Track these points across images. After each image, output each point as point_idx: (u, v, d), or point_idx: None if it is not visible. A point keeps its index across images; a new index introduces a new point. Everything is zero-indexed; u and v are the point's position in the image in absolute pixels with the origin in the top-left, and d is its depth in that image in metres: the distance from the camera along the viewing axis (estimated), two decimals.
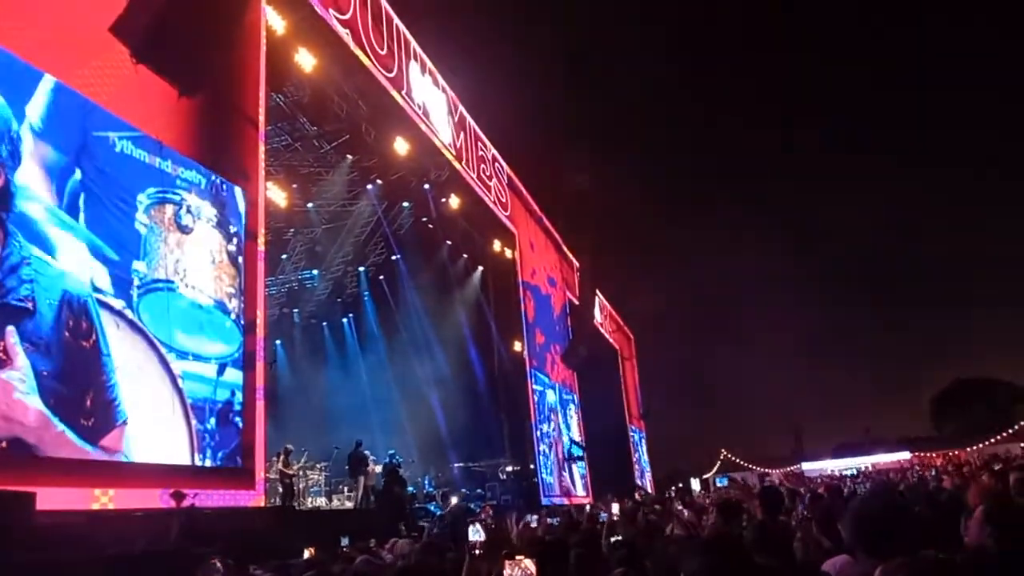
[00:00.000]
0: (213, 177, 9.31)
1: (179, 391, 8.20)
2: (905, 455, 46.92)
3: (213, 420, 8.67)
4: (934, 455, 43.93)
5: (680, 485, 36.06)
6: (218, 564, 4.84)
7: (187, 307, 8.60)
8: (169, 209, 8.56)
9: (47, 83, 7.02)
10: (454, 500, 6.07)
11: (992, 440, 42.62)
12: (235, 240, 9.61)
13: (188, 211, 8.82)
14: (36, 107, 6.92)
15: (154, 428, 7.74)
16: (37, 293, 6.54)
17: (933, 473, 20.15)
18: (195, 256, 8.84)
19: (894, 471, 31.48)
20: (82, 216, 7.28)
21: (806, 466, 48.26)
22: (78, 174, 7.35)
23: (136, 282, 7.86)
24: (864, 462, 46.70)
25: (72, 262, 7.03)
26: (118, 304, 7.53)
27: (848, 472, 38.83)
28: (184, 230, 8.74)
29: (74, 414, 6.77)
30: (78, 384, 6.91)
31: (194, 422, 8.33)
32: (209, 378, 8.73)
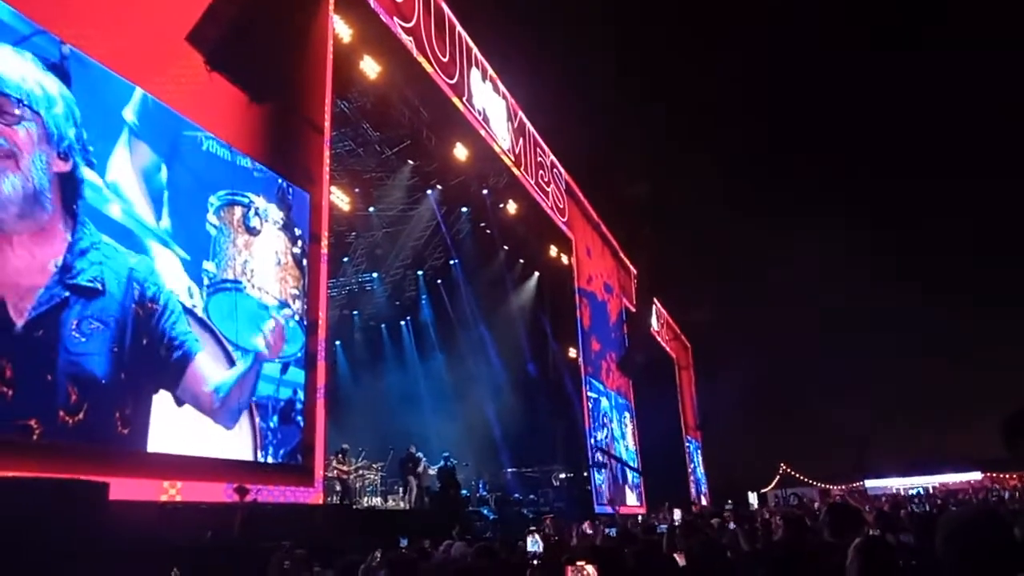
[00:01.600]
0: (280, 181, 9.57)
1: None
2: (976, 475, 44.93)
3: (276, 418, 8.89)
4: (1009, 476, 41.95)
5: (733, 500, 35.25)
6: (292, 550, 4.98)
7: (253, 307, 8.85)
8: (238, 211, 8.84)
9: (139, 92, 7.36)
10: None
11: None
12: (300, 243, 9.85)
13: (256, 213, 9.09)
14: (131, 110, 7.30)
15: (219, 424, 7.97)
16: (106, 275, 6.79)
17: (1006, 495, 19.26)
18: (262, 257, 9.10)
19: (963, 492, 30.17)
20: (165, 213, 7.59)
21: (869, 483, 46.64)
22: (164, 172, 7.69)
23: (206, 281, 8.13)
24: (931, 481, 44.91)
25: (146, 257, 7.32)
26: (189, 302, 7.80)
27: (913, 491, 37.40)
28: (252, 232, 9.00)
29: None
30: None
31: (258, 419, 8.55)
32: (273, 377, 8.96)
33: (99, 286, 6.68)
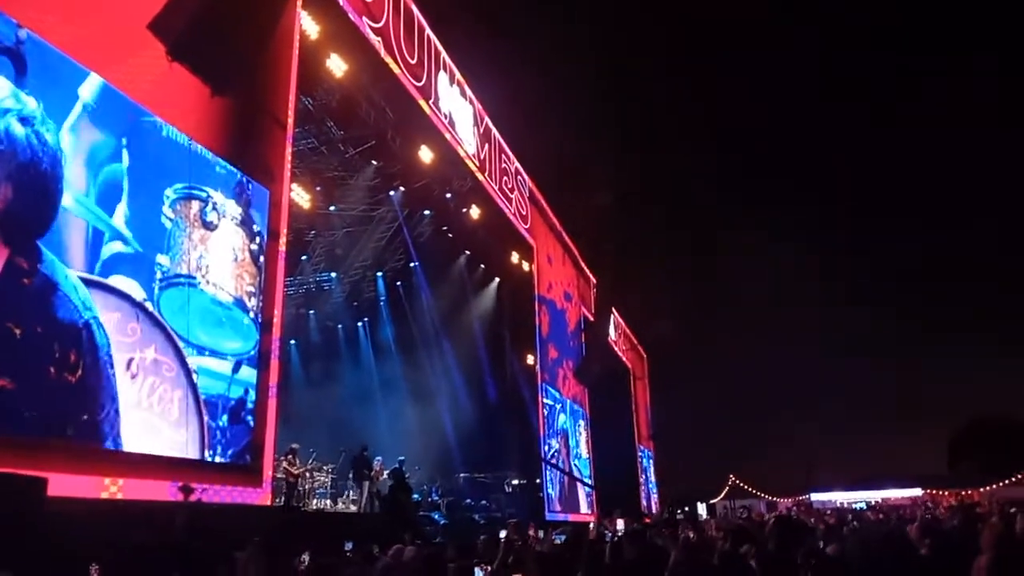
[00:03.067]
0: (239, 175, 9.43)
1: (193, 386, 8.28)
2: (917, 491, 46.26)
3: (225, 417, 8.73)
4: (946, 493, 43.29)
5: (687, 508, 35.73)
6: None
7: (207, 303, 8.70)
8: (195, 205, 8.68)
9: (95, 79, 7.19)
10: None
11: (1007, 482, 41.93)
12: (257, 239, 9.71)
13: (214, 208, 8.93)
14: (88, 89, 7.13)
15: (165, 422, 7.80)
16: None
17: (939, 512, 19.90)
18: (217, 253, 8.94)
19: (904, 507, 31.05)
20: (123, 204, 7.44)
21: (815, 496, 47.66)
22: (126, 160, 7.52)
23: (158, 275, 7.96)
24: (874, 496, 46.06)
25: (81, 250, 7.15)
26: (139, 296, 7.63)
27: (857, 505, 38.31)
28: (208, 227, 8.85)
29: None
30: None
31: (206, 418, 8.39)
32: (224, 375, 8.81)
33: None
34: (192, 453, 8.14)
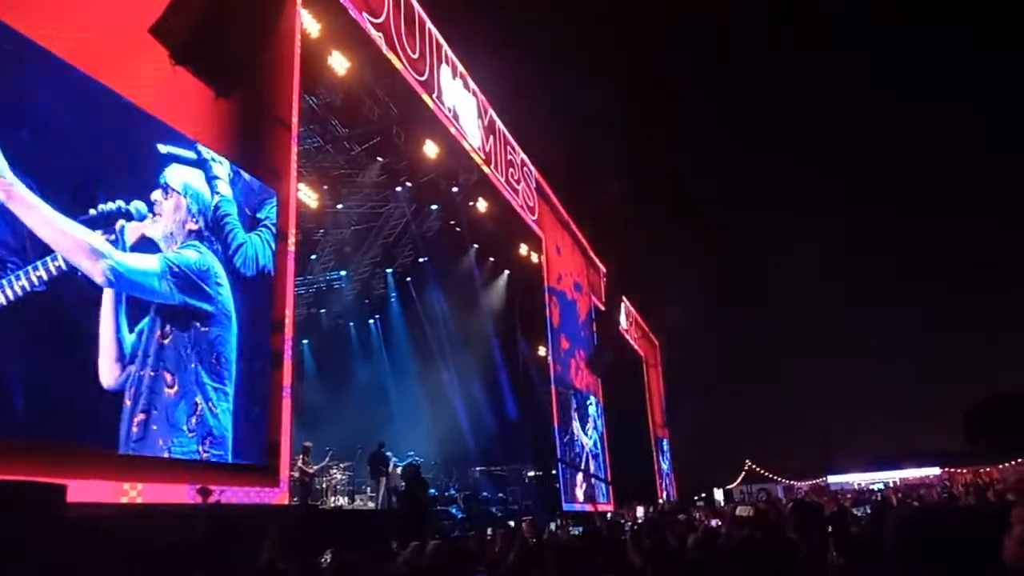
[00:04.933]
0: (246, 176, 9.43)
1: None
2: (935, 470, 46.03)
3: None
4: (964, 471, 43.03)
5: (704, 495, 35.71)
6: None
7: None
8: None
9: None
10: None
11: None
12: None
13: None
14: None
15: (184, 424, 7.84)
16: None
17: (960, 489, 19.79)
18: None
19: (923, 486, 30.91)
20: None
21: (832, 479, 47.52)
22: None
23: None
24: (892, 476, 45.88)
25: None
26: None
27: (875, 486, 38.18)
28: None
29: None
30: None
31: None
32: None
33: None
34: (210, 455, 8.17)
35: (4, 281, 6.02)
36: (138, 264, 7.53)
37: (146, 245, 7.67)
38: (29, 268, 6.26)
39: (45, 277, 6.40)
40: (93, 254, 6.94)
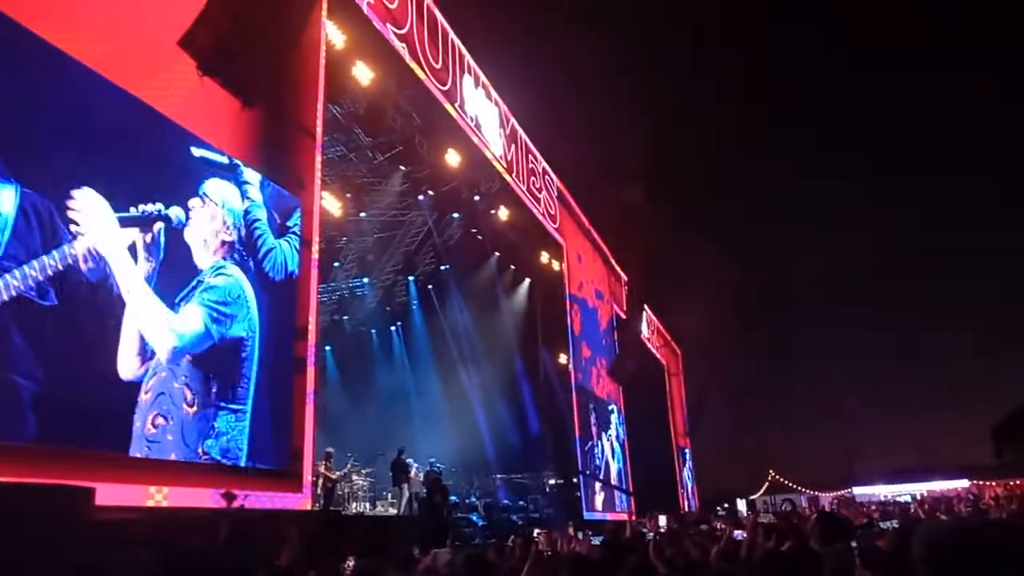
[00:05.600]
0: (275, 184, 9.59)
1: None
2: (963, 483, 45.14)
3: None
4: (994, 483, 42.16)
5: (727, 505, 35.34)
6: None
7: None
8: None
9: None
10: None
11: None
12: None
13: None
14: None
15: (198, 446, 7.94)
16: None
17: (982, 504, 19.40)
18: None
19: (951, 499, 30.37)
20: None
21: (857, 491, 46.78)
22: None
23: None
24: (919, 488, 45.06)
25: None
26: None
27: (901, 498, 37.52)
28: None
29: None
30: None
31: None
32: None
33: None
34: (234, 460, 8.28)
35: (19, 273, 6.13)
36: (189, 329, 7.84)
37: (181, 249, 7.86)
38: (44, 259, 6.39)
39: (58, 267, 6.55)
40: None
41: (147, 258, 7.38)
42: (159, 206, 7.56)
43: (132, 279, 7.19)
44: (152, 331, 7.32)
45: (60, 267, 6.42)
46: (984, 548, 2.16)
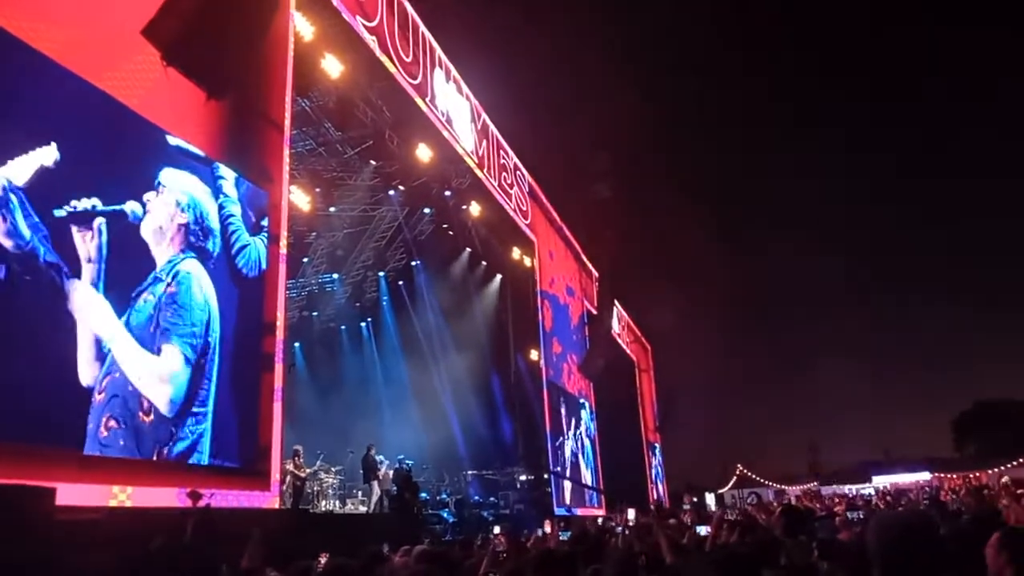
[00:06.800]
0: (238, 178, 9.42)
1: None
2: (925, 475, 46.21)
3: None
4: (954, 476, 43.24)
5: (695, 500, 35.73)
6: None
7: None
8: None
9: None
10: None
11: (1014, 463, 41.90)
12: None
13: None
14: None
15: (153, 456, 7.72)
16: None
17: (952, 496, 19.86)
18: None
19: (913, 491, 31.03)
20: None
21: (825, 485, 47.57)
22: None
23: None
24: (883, 481, 46.01)
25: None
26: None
27: (866, 491, 38.26)
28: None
29: None
30: None
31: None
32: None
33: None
34: (200, 458, 8.12)
35: None
36: (176, 369, 7.77)
37: (137, 244, 7.61)
38: None
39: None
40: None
41: (89, 258, 6.96)
42: (96, 201, 7.10)
43: (78, 279, 6.85)
44: (109, 339, 7.04)
45: None
46: (927, 537, 2.25)
